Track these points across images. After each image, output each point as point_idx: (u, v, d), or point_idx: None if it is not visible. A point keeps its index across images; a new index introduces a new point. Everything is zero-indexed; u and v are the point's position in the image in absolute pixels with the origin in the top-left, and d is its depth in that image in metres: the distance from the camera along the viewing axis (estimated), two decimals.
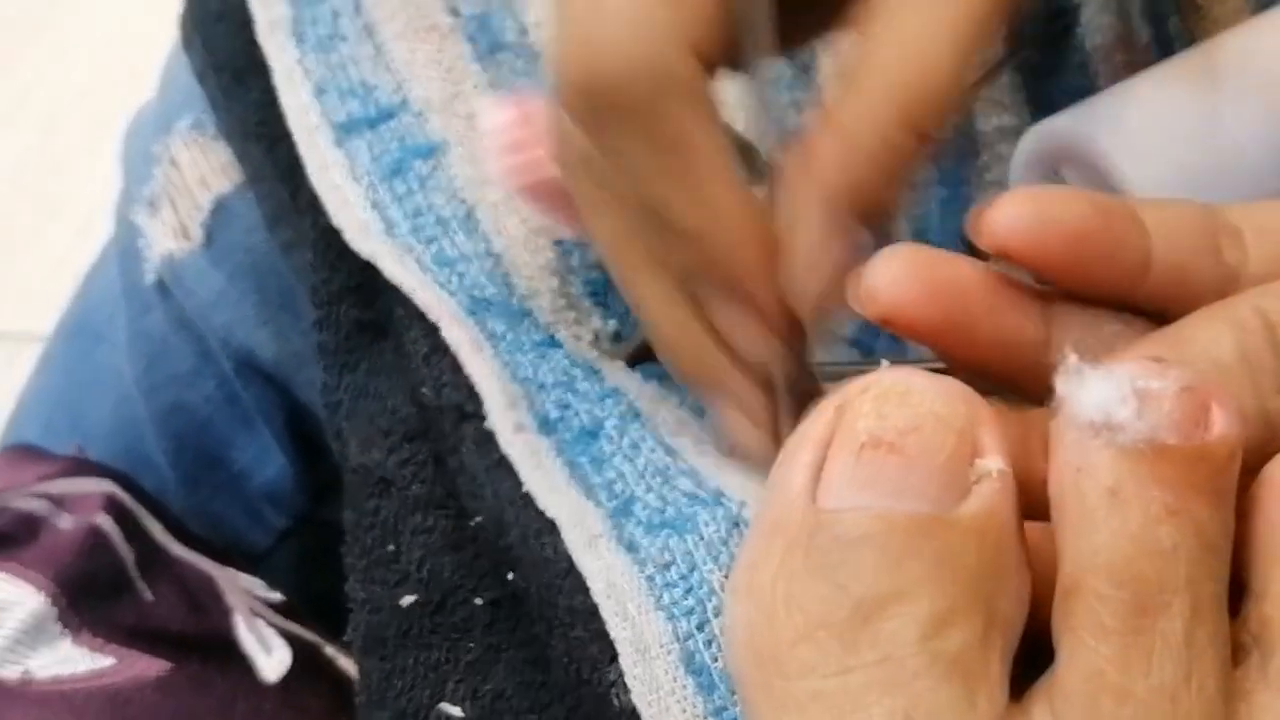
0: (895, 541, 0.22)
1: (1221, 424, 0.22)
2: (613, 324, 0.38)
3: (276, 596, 0.48)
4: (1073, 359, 0.22)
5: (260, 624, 0.46)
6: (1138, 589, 0.22)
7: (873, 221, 0.30)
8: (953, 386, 0.24)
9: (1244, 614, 0.23)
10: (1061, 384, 0.22)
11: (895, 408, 0.23)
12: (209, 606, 0.46)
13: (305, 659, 0.47)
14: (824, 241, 0.30)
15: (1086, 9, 0.44)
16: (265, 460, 0.49)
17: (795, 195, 0.30)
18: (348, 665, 0.48)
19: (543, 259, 0.38)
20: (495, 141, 0.38)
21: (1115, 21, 0.45)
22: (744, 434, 0.31)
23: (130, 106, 0.52)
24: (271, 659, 0.46)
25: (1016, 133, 0.43)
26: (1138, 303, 0.26)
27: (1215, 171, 0.39)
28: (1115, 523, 0.22)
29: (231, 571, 0.48)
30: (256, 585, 0.48)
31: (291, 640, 0.47)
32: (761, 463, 0.30)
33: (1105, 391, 0.22)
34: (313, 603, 0.50)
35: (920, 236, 0.43)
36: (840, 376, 0.38)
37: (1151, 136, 0.39)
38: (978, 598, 0.22)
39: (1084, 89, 0.43)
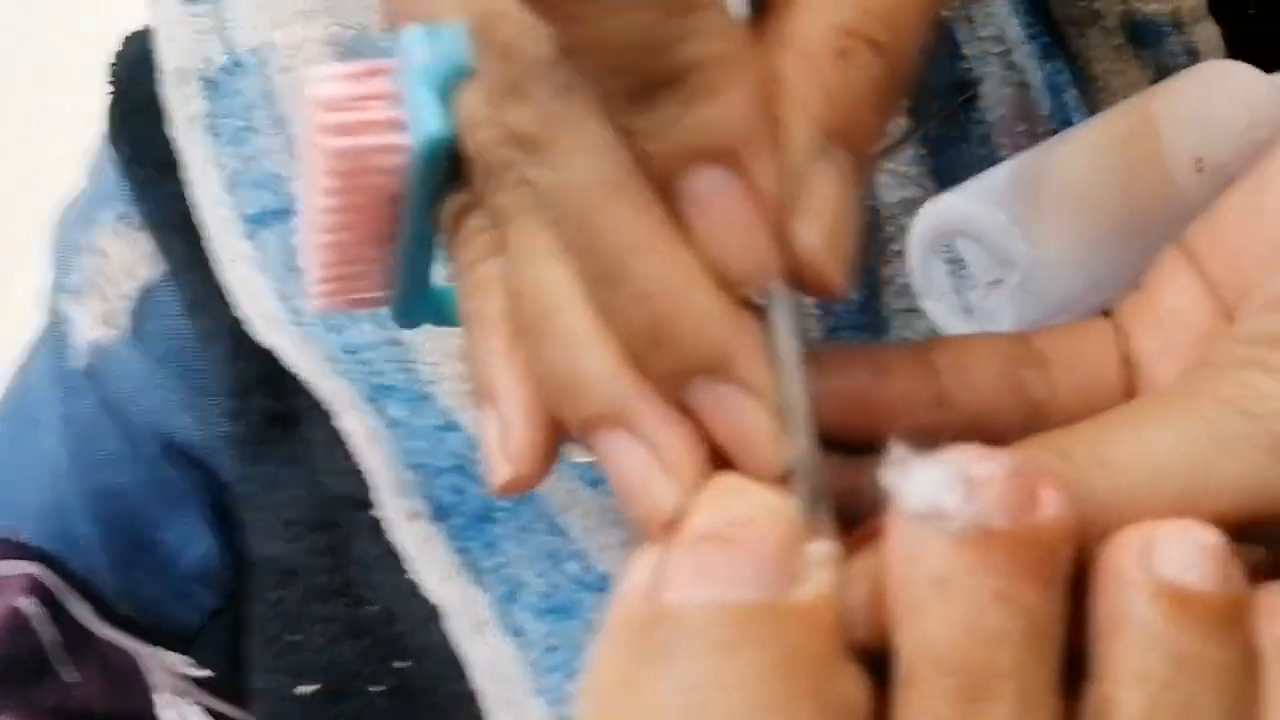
0: (726, 630, 0.23)
1: (1052, 506, 0.22)
2: None
3: (204, 674, 0.49)
4: (899, 449, 0.23)
5: (184, 702, 0.47)
6: (967, 676, 0.22)
7: (863, 153, 0.25)
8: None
9: (1085, 694, 0.24)
10: (888, 475, 0.23)
11: (729, 502, 0.24)
12: (132, 686, 0.47)
13: None
14: (838, 182, 0.25)
15: (988, 82, 0.45)
16: (194, 541, 0.50)
17: (789, 136, 0.24)
18: None
19: (448, 345, 0.39)
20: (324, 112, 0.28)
21: (1016, 94, 0.46)
22: (653, 485, 0.24)
23: (61, 198, 0.53)
24: None
25: (921, 205, 0.44)
26: (945, 442, 0.24)
27: (1106, 238, 0.40)
28: (944, 612, 0.22)
29: (157, 650, 0.49)
30: (182, 663, 0.49)
31: (218, 717, 0.48)
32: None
33: (932, 480, 0.22)
34: (247, 679, 0.50)
35: (825, 308, 0.44)
36: None
37: (1042, 208, 0.40)
38: (812, 681, 0.23)
39: (987, 160, 0.44)
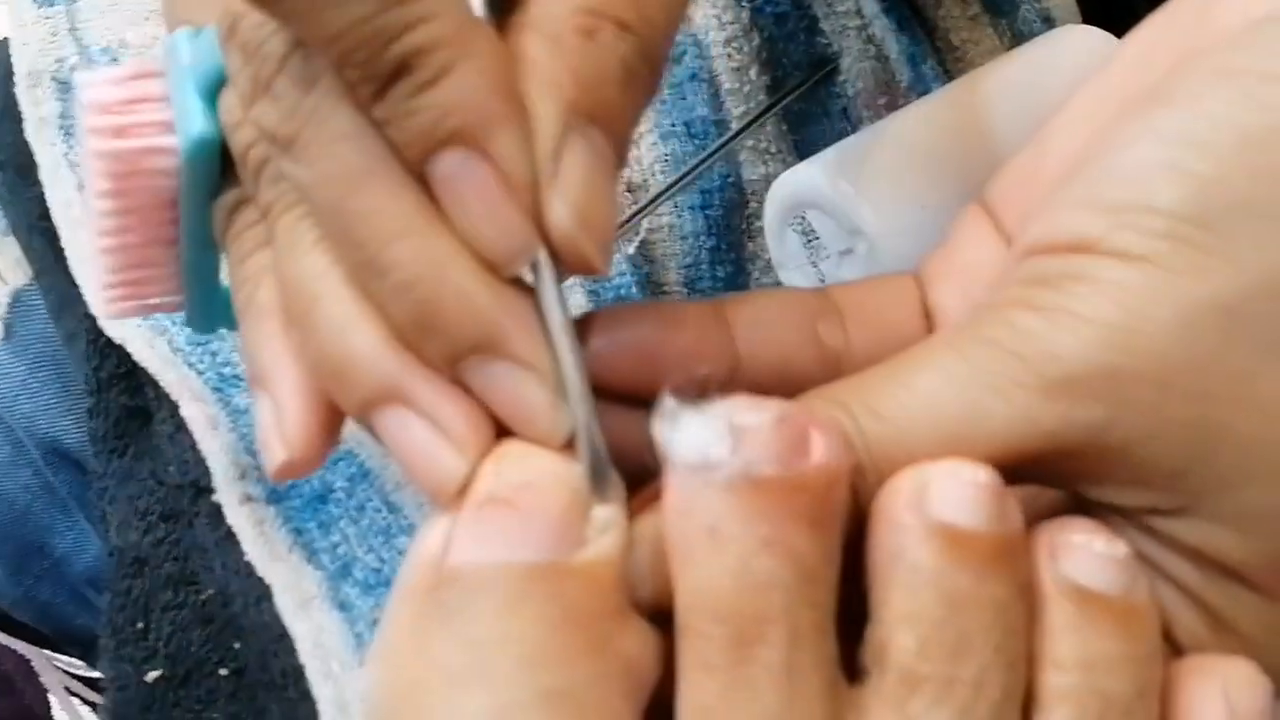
0: (508, 588, 0.23)
1: (821, 451, 0.22)
2: None
3: (96, 674, 0.49)
4: (669, 402, 0.23)
5: (75, 702, 0.47)
6: (736, 623, 0.22)
7: (616, 131, 0.25)
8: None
9: (865, 637, 0.24)
10: (660, 428, 0.23)
11: (512, 467, 0.24)
12: (23, 687, 0.47)
13: None
14: (590, 158, 0.25)
15: (846, 56, 0.45)
16: (84, 545, 0.50)
17: (537, 115, 0.24)
18: None
19: None
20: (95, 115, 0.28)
21: (875, 66, 0.46)
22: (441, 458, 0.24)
23: None
24: None
25: None
26: (745, 391, 0.24)
27: (953, 203, 0.40)
28: (713, 560, 0.22)
29: (48, 653, 0.49)
30: (74, 665, 0.49)
31: None
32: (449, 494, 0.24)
33: (701, 431, 0.22)
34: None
35: (691, 286, 0.44)
36: None
37: (889, 177, 0.40)
38: (591, 638, 0.23)
39: (849, 134, 0.44)
